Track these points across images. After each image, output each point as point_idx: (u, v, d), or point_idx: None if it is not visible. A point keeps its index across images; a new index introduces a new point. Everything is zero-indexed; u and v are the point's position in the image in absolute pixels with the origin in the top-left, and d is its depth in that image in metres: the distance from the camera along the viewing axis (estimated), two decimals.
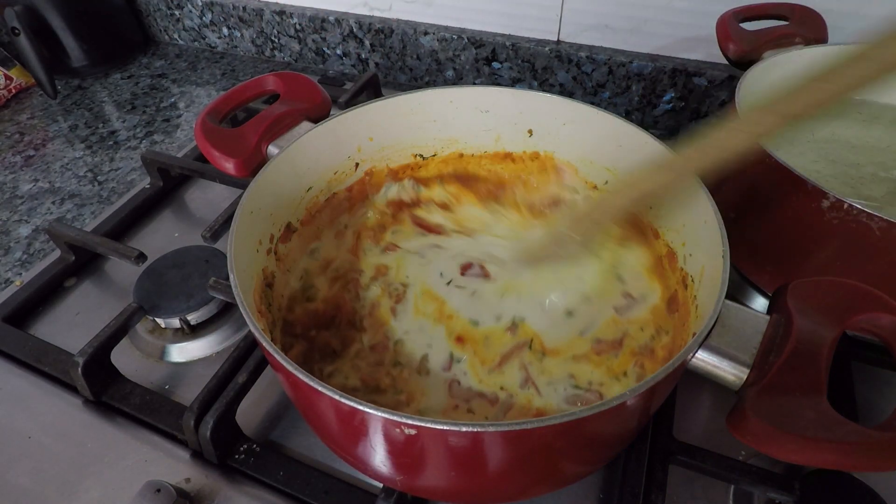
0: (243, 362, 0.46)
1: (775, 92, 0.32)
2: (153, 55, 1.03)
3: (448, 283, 0.47)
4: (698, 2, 0.69)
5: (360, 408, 0.28)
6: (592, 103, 0.50)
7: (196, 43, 1.04)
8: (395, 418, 0.27)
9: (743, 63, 0.57)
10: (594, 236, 0.46)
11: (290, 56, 0.98)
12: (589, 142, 0.50)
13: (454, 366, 0.42)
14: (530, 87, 0.83)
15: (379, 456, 0.33)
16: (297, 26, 0.93)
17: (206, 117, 0.47)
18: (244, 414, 0.45)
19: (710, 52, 0.72)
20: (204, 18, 0.99)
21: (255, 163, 0.46)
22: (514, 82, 0.84)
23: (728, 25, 0.60)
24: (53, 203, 0.71)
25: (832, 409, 0.29)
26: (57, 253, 0.60)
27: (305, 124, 0.48)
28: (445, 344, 0.43)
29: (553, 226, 0.48)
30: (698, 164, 0.36)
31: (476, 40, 0.82)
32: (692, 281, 0.41)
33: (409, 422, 0.27)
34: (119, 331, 0.49)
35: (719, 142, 0.34)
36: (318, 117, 0.49)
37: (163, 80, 0.95)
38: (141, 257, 0.54)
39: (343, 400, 0.28)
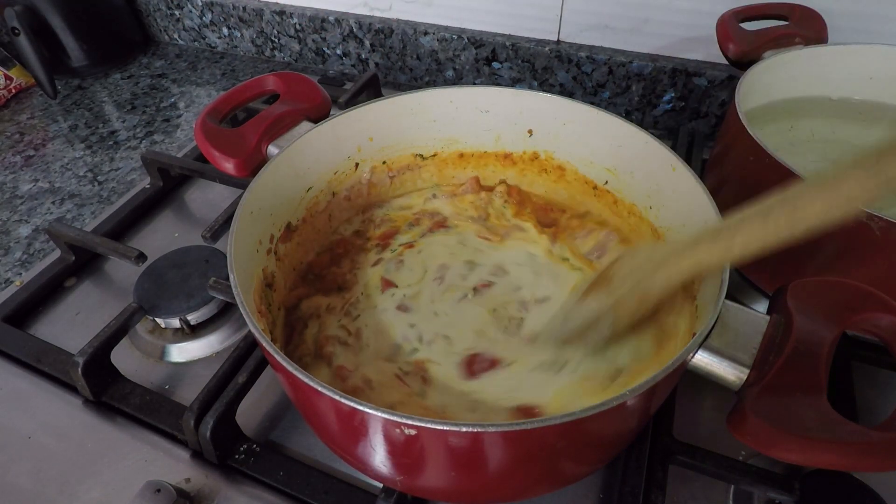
0: (243, 362, 0.46)
1: (867, 150, 0.25)
2: (153, 55, 1.03)
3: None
4: (698, 2, 0.69)
5: (360, 408, 0.28)
6: (592, 103, 0.50)
7: (196, 43, 1.04)
8: (395, 418, 0.27)
9: (743, 63, 0.57)
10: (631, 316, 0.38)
11: (290, 56, 0.98)
12: (589, 142, 0.50)
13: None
14: (530, 87, 0.83)
15: (379, 456, 0.33)
16: (297, 26, 0.93)
17: (206, 117, 0.47)
18: (244, 414, 0.45)
19: (710, 52, 0.72)
20: (204, 18, 0.99)
21: (255, 163, 0.46)
22: (514, 82, 0.84)
23: (728, 25, 0.60)
24: (53, 203, 0.71)
25: (832, 409, 0.29)
26: (57, 253, 0.60)
27: (305, 124, 0.48)
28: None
29: (585, 302, 0.39)
30: (767, 236, 0.29)
31: (476, 40, 0.82)
32: (692, 281, 0.40)
33: (409, 422, 0.27)
34: (119, 331, 0.49)
35: (797, 206, 0.28)
36: (318, 117, 0.49)
37: (163, 80, 0.95)
38: (141, 257, 0.54)
39: (343, 400, 0.28)
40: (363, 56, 0.92)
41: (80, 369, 0.46)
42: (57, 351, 0.51)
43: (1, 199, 0.72)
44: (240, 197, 0.41)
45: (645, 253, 0.37)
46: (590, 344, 0.40)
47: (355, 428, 0.32)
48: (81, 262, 0.60)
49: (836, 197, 0.26)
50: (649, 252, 0.37)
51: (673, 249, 0.34)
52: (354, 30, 0.88)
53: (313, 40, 0.93)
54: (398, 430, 0.29)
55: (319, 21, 0.90)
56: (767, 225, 0.29)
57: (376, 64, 0.91)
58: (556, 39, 0.79)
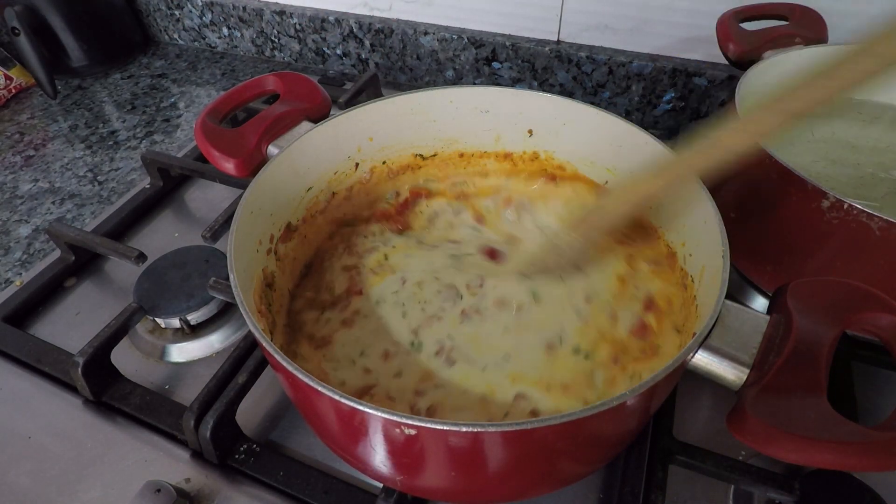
0: (243, 362, 0.46)
1: (775, 90, 0.31)
2: (153, 55, 1.03)
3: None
4: (698, 2, 0.69)
5: (360, 408, 0.28)
6: (592, 103, 0.50)
7: (196, 43, 1.04)
8: (395, 418, 0.27)
9: (743, 63, 0.57)
10: (593, 243, 0.45)
11: (290, 56, 0.98)
12: (589, 142, 0.50)
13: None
14: (530, 87, 0.83)
15: (379, 456, 0.33)
16: (297, 26, 0.93)
17: (206, 117, 0.47)
18: (244, 414, 0.45)
19: (710, 52, 0.72)
20: (204, 18, 0.99)
21: (255, 163, 0.46)
22: (514, 82, 0.84)
23: (728, 25, 0.60)
24: (53, 203, 0.71)
25: (832, 409, 0.29)
26: (57, 253, 0.60)
27: (305, 124, 0.48)
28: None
29: (551, 234, 0.47)
30: (699, 166, 0.36)
31: (476, 40, 0.82)
32: (692, 281, 0.41)
33: (409, 422, 0.27)
34: (119, 331, 0.49)
35: (720, 142, 0.34)
36: (319, 117, 0.49)
37: (163, 80, 0.95)
38: (141, 257, 0.54)
39: (343, 400, 0.28)
40: (363, 56, 0.92)
41: (80, 369, 0.46)
42: (57, 351, 0.51)
43: (1, 199, 0.72)
44: (240, 197, 0.41)
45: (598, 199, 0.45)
46: (555, 269, 0.46)
47: (355, 428, 0.32)
48: (81, 262, 0.60)
49: (751, 133, 0.33)
50: (601, 198, 0.45)
51: (621, 187, 0.42)
52: (354, 30, 0.88)
53: (313, 40, 0.93)
54: (398, 430, 0.29)
55: (319, 21, 0.90)
56: (699, 158, 0.35)
57: (376, 64, 0.91)
58: (556, 39, 0.79)
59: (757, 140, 0.33)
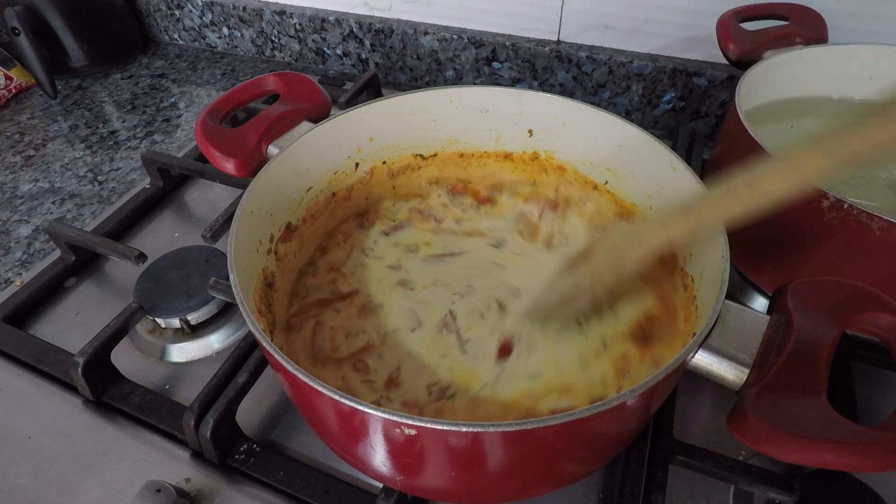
0: (243, 362, 0.46)
1: (820, 132, 0.28)
2: (153, 55, 1.03)
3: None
4: (698, 2, 0.69)
5: (360, 408, 0.28)
6: (592, 103, 0.50)
7: (196, 43, 1.04)
8: (395, 418, 0.27)
9: (743, 63, 0.57)
10: (610, 290, 0.40)
11: (290, 56, 0.98)
12: (589, 142, 0.50)
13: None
14: (530, 87, 0.83)
15: (379, 456, 0.33)
16: (297, 26, 0.93)
17: (206, 117, 0.47)
18: (244, 414, 0.45)
19: (710, 52, 0.72)
20: (204, 18, 0.99)
21: (255, 163, 0.46)
22: (514, 82, 0.84)
23: (728, 25, 0.60)
24: (53, 203, 0.71)
25: (832, 409, 0.29)
26: (57, 253, 0.60)
27: (305, 124, 0.48)
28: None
29: (567, 277, 0.42)
30: (732, 210, 0.31)
31: (476, 40, 0.82)
32: (692, 281, 0.41)
33: (409, 422, 0.27)
34: (119, 331, 0.49)
35: (757, 184, 0.30)
36: (319, 117, 0.49)
37: (163, 80, 0.95)
38: (141, 257, 0.54)
39: (343, 400, 0.28)
40: (363, 56, 0.92)
41: (80, 369, 0.46)
42: (57, 351, 0.51)
43: (1, 199, 0.72)
44: (240, 197, 0.41)
45: (623, 229, 0.40)
46: (569, 318, 0.43)
47: (355, 428, 0.32)
48: (81, 262, 0.60)
49: (793, 175, 0.29)
50: (627, 228, 0.40)
51: (647, 225, 0.37)
52: (354, 30, 0.88)
53: (313, 40, 0.93)
54: (398, 430, 0.29)
55: (319, 21, 0.90)
56: (733, 201, 0.31)
57: (376, 64, 0.92)
58: (556, 39, 0.79)
59: (799, 184, 0.29)
